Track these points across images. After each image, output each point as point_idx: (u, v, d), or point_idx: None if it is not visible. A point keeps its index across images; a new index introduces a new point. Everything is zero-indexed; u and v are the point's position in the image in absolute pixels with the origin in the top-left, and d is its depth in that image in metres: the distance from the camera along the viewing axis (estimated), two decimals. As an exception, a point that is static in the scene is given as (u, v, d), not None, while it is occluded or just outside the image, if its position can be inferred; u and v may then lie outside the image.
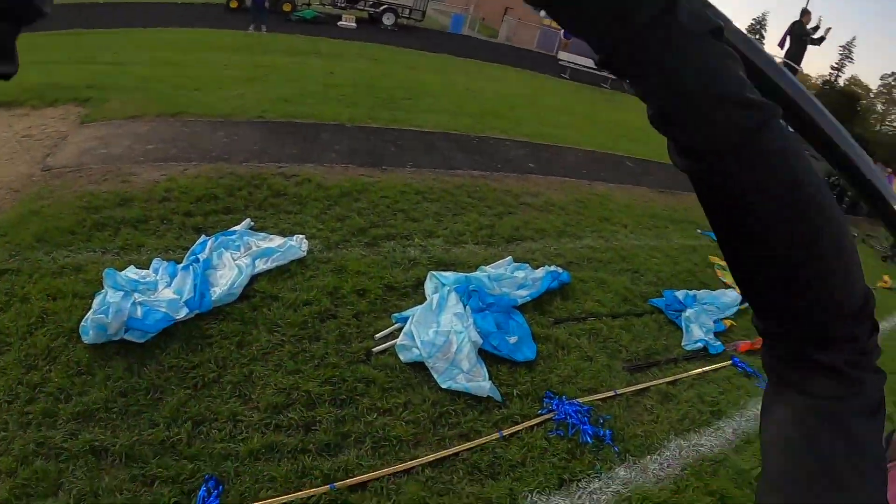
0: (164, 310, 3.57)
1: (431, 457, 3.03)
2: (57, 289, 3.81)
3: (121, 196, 5.09)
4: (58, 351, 3.37)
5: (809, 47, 12.04)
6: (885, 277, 10.48)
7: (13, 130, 7.17)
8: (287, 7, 20.92)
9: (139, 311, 3.49)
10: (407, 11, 25.28)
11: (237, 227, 4.75)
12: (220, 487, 2.67)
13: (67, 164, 5.85)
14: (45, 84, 8.36)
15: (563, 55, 24.94)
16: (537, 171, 7.85)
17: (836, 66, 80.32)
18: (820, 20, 11.91)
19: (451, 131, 8.81)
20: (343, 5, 23.62)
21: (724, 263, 6.76)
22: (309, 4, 22.78)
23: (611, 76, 23.40)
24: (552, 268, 5.06)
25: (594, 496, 3.19)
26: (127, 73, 9.54)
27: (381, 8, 24.17)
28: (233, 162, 6.13)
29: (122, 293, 3.59)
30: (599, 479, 3.32)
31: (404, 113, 9.37)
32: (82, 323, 3.48)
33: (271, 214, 5.18)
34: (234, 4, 20.55)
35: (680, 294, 5.63)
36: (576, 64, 23.36)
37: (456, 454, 3.11)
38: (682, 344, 5.02)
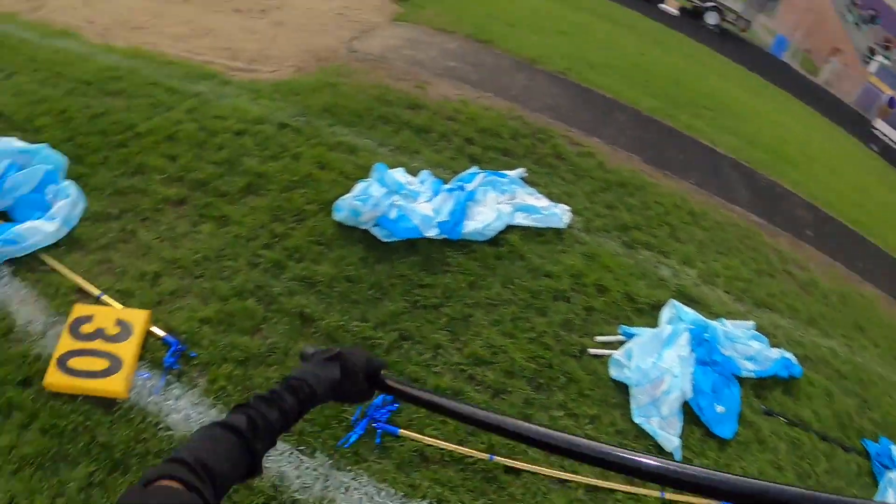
0: (416, 222, 3.71)
1: (591, 481, 2.94)
2: (328, 160, 4.14)
3: (413, 100, 5.31)
4: (308, 215, 3.70)
5: None
6: None
7: (331, 4, 7.77)
8: None
9: (393, 213, 3.68)
10: (733, 16, 22.96)
11: (510, 173, 4.74)
12: (396, 406, 2.81)
13: (372, 53, 6.27)
14: None
15: (879, 124, 21.75)
16: (813, 241, 7.06)
17: None
18: None
19: (742, 161, 8.13)
20: None
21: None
22: None
23: None
24: (788, 355, 4.59)
25: None
26: None
27: (707, 4, 22.13)
28: (526, 108, 6.12)
29: (385, 190, 3.79)
30: None
31: (703, 123, 8.74)
32: (338, 201, 3.74)
33: (546, 173, 5.13)
34: None
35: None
36: (890, 139, 20.36)
37: (612, 490, 3.02)
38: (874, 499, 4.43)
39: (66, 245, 3.20)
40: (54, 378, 2.55)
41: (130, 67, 5.03)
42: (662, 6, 20.07)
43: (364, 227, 3.64)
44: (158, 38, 5.87)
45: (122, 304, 2.93)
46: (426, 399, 1.02)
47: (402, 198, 3.79)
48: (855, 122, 20.90)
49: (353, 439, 2.60)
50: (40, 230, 3.18)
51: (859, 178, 12.49)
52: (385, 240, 3.61)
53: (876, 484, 4.41)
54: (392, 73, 5.79)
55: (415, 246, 3.68)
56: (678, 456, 3.34)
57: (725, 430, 3.69)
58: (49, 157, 3.56)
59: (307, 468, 2.50)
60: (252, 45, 6.06)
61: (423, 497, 2.52)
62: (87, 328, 2.77)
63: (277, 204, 3.70)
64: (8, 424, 2.36)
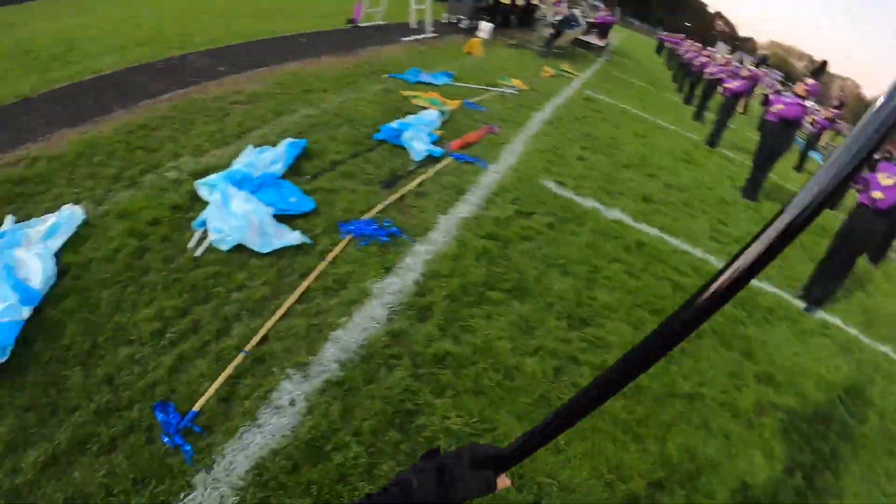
0: (6, 318, 3.59)
1: (294, 297, 3.72)
2: None
3: None
4: None
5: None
6: (546, 68, 12.80)
7: None
8: None
9: None
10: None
11: (2, 227, 4.60)
12: (171, 404, 3.00)
13: None
14: None
15: None
16: (229, 71, 8.13)
17: None
18: None
19: (132, 65, 8.54)
20: None
21: (416, 94, 7.99)
22: None
23: None
24: (288, 140, 5.70)
25: (411, 268, 4.22)
26: None
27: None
28: None
29: None
30: (408, 257, 4.35)
31: (77, 67, 8.74)
32: None
33: (25, 201, 4.64)
34: None
35: (394, 124, 6.67)
36: None
37: (308, 289, 3.85)
38: (412, 158, 6.12)
39: None
40: None
41: None
42: None
43: None
44: None
45: None
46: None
47: None
48: None
49: (188, 450, 2.72)
50: None
51: (219, 7, 13.75)
52: (4, 358, 3.42)
53: (405, 149, 5.99)
54: None
55: (25, 338, 3.56)
56: (307, 239, 4.29)
57: (307, 204, 4.86)
58: None
59: (203, 494, 2.74)
60: None
61: (258, 407, 2.94)
62: None
63: None
64: None
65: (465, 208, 5.25)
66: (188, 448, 2.70)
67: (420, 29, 13.20)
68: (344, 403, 3.04)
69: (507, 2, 18.49)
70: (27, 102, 7.00)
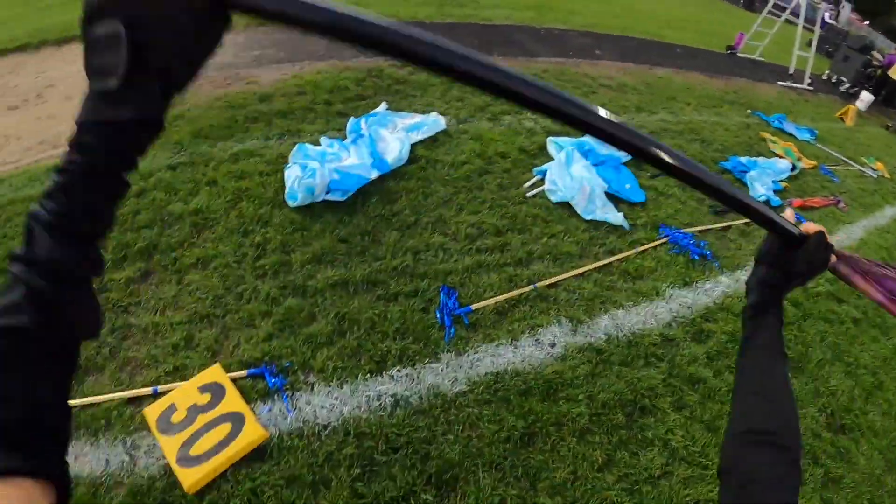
0: (358, 171, 4.39)
1: (595, 265, 3.99)
2: (241, 171, 4.26)
3: (257, 94, 5.62)
4: (267, 216, 3.85)
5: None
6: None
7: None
8: None
9: (335, 176, 4.12)
10: None
11: (377, 109, 5.49)
12: (454, 293, 3.56)
13: None
14: None
15: None
16: (605, 56, 8.52)
17: None
18: None
19: (519, 24, 9.39)
20: None
21: (775, 139, 7.63)
22: None
23: None
24: (643, 135, 5.88)
25: (708, 292, 4.17)
26: None
27: None
28: (343, 59, 6.78)
29: (317, 162, 4.37)
30: (709, 282, 4.30)
31: (471, 9, 9.89)
32: (288, 190, 3.95)
33: (401, 98, 5.92)
34: None
35: (743, 159, 6.47)
36: None
37: (610, 264, 4.07)
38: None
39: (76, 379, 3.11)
40: (191, 477, 2.32)
41: None
42: None
43: (320, 200, 4.03)
44: None
45: (182, 380, 2.79)
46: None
47: (331, 162, 4.37)
48: None
49: (452, 332, 3.24)
50: None
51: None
52: (344, 198, 4.12)
53: (745, 186, 5.83)
54: (216, 83, 5.85)
55: (366, 191, 4.23)
56: (626, 224, 4.45)
57: (639, 196, 4.91)
58: None
59: (443, 369, 3.05)
60: (62, 127, 5.70)
61: (522, 332, 3.33)
62: (176, 417, 2.54)
63: (234, 224, 3.81)
64: None
65: (784, 265, 5.00)
66: (452, 329, 3.17)
67: (797, 77, 12.35)
68: (594, 368, 3.21)
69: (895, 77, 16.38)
70: (421, 27, 7.94)
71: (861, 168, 8.71)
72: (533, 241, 4.06)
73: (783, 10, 12.86)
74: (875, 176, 8.78)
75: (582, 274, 3.88)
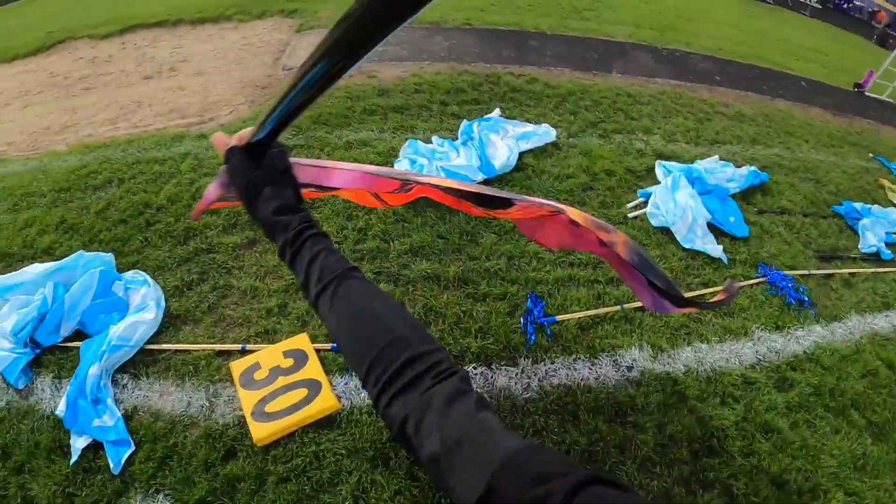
0: (464, 172, 4.52)
1: (687, 294, 3.92)
2: (353, 158, 4.49)
3: (376, 88, 5.83)
4: (355, 204, 4.03)
5: None
6: None
7: (229, 40, 7.92)
8: None
9: (442, 174, 4.31)
10: None
11: (491, 115, 5.61)
12: (541, 302, 3.62)
13: None
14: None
15: None
16: (724, 83, 8.29)
17: None
18: None
19: (640, 42, 9.27)
20: None
21: (893, 186, 7.23)
22: None
23: None
24: (753, 168, 5.73)
25: (799, 340, 4.06)
26: None
27: None
28: (462, 62, 6.93)
29: (426, 158, 4.55)
30: (802, 329, 4.18)
31: (593, 23, 9.82)
32: None
33: (514, 106, 6.01)
34: None
35: (857, 205, 6.18)
36: None
37: (702, 295, 4.03)
38: (859, 246, 5.64)
39: (170, 327, 3.19)
40: (262, 431, 2.53)
41: (97, 160, 4.90)
42: None
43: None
44: (94, 129, 5.80)
45: (269, 343, 3.02)
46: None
47: (439, 161, 4.54)
48: None
49: (533, 339, 3.34)
50: (141, 322, 3.06)
51: (730, 18, 13.95)
52: None
53: (856, 234, 5.59)
54: None
55: (468, 192, 4.38)
56: (724, 258, 4.37)
57: (742, 230, 4.78)
58: (93, 261, 3.39)
59: (517, 374, 3.15)
60: (191, 100, 6.19)
61: (602, 350, 3.36)
62: (259, 375, 2.77)
63: (340, 207, 4.08)
64: (242, 497, 2.40)
65: (882, 322, 4.75)
66: (533, 337, 3.25)
67: (930, 124, 11.54)
68: (667, 398, 3.17)
69: None
70: (543, 36, 8.13)
71: None
72: (627, 263, 4.07)
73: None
74: None
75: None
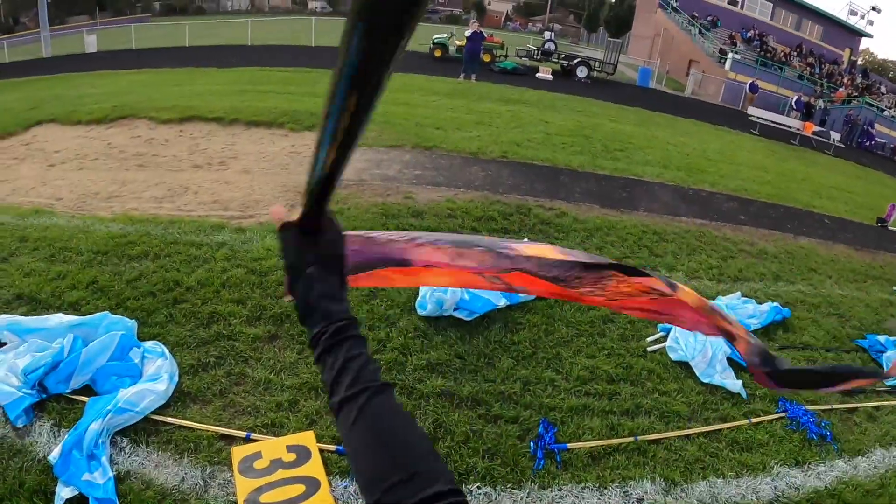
0: (487, 296, 4.70)
1: (703, 429, 3.93)
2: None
3: (410, 209, 6.20)
4: (395, 318, 4.28)
5: None
6: None
7: (279, 146, 8.43)
8: (487, 57, 22.38)
9: (466, 296, 4.48)
10: (598, 64, 26.05)
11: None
12: (553, 428, 3.67)
13: (349, 179, 6.77)
14: (297, 110, 9.96)
15: (751, 110, 24.54)
16: (748, 222, 8.47)
17: None
18: None
19: (667, 182, 9.63)
20: (539, 58, 25.03)
21: (919, 321, 7.10)
22: (506, 56, 24.34)
23: (799, 132, 23.02)
24: (775, 304, 5.76)
25: (820, 476, 3.95)
26: None
27: (575, 61, 25.27)
28: (496, 192, 7.31)
29: None
30: (823, 465, 4.07)
31: (623, 163, 10.31)
32: (419, 299, 4.35)
33: (542, 237, 6.29)
34: (438, 53, 22.83)
35: (881, 338, 6.09)
36: (764, 119, 23.02)
37: (719, 430, 4.00)
38: (883, 379, 5.53)
39: (179, 402, 3.24)
40: None
41: (137, 232, 5.12)
42: (539, 75, 22.52)
43: (447, 314, 4.41)
44: (140, 203, 6.07)
45: (274, 435, 3.06)
46: None
47: None
48: (731, 116, 23.59)
49: (542, 464, 3.35)
50: (151, 391, 3.09)
51: (755, 160, 14.30)
52: (469, 318, 4.47)
53: (880, 365, 5.50)
54: (377, 191, 6.62)
55: (492, 317, 4.57)
56: (744, 393, 4.37)
57: None
58: (116, 324, 3.45)
59: (523, 497, 3.15)
60: (235, 194, 6.48)
61: (612, 481, 3.35)
62: (259, 464, 2.78)
63: (362, 319, 4.21)
64: None
65: (910, 457, 4.59)
66: (542, 462, 3.31)
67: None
68: None
69: None
70: (575, 173, 8.58)
71: None
72: (643, 395, 4.10)
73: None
74: None
75: (688, 436, 3.84)
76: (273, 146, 8.54)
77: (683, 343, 4.63)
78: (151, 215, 5.64)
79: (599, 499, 3.22)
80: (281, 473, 2.74)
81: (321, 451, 2.97)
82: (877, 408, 4.96)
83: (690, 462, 3.64)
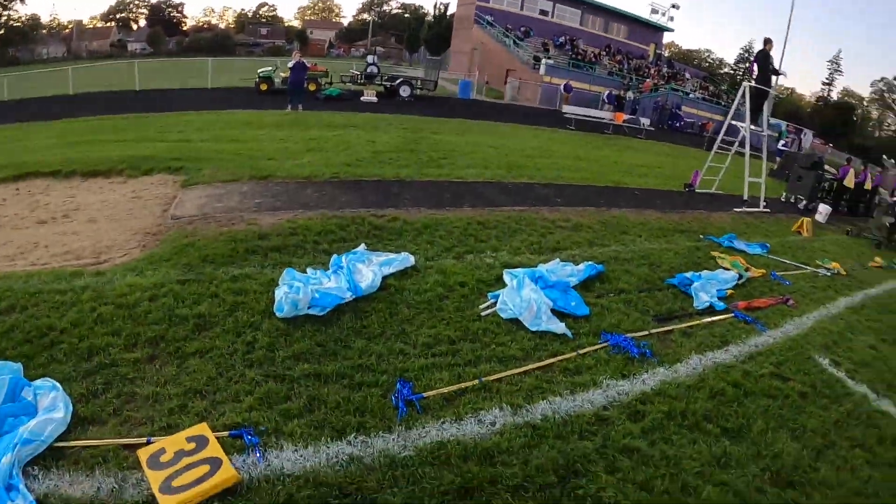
0: (335, 292, 5.31)
1: (538, 364, 4.76)
2: (239, 288, 5.33)
3: (256, 232, 6.74)
4: (258, 323, 4.86)
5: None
6: (877, 258, 12.26)
7: (119, 193, 8.81)
8: (313, 87, 23.98)
9: (317, 295, 5.14)
10: (419, 83, 28.26)
11: (357, 249, 6.54)
12: (409, 384, 4.30)
13: (193, 214, 7.37)
14: (132, 157, 10.35)
15: (566, 108, 27.54)
16: (564, 203, 9.78)
17: (826, 80, 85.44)
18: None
19: (490, 180, 10.84)
20: (363, 81, 26.54)
21: (723, 256, 8.61)
22: (331, 83, 25.59)
23: (612, 123, 26.25)
24: (590, 263, 6.87)
25: (645, 382, 4.90)
26: (199, 148, 11.74)
27: (398, 81, 27.20)
28: (332, 209, 7.95)
29: (301, 283, 5.34)
30: (647, 373, 5.03)
31: (447, 169, 11.44)
32: (276, 302, 4.99)
33: (377, 241, 7.01)
34: (264, 87, 23.75)
35: (689, 274, 7.42)
36: (578, 115, 25.89)
37: (552, 364, 4.85)
38: (694, 305, 6.77)
39: (78, 427, 3.52)
40: (170, 503, 2.95)
41: (0, 288, 5.24)
42: (363, 98, 23.98)
43: (302, 313, 4.99)
44: None
45: (172, 434, 3.48)
46: None
47: (313, 285, 5.33)
48: (549, 116, 26.64)
49: (404, 412, 3.96)
50: (51, 420, 3.34)
51: (571, 152, 16.19)
52: (322, 314, 5.04)
53: (691, 297, 6.71)
54: (221, 222, 7.06)
55: (341, 310, 5.17)
56: (569, 333, 5.32)
57: (583, 310, 5.79)
58: (2, 368, 3.69)
59: (394, 438, 3.71)
60: (85, 243, 6.69)
61: (466, 413, 4.03)
62: (164, 458, 3.19)
63: (230, 326, 4.75)
64: None
65: (722, 356, 5.70)
66: (405, 410, 3.97)
67: (752, 203, 13.56)
68: (529, 440, 3.87)
69: (850, 185, 17.81)
70: (402, 183, 9.53)
71: (815, 270, 9.60)
72: (482, 349, 4.89)
73: (733, 144, 14.38)
74: (830, 274, 9.63)
75: (525, 372, 4.65)
76: (114, 193, 8.79)
77: (511, 304, 5.49)
78: (7, 273, 5.73)
79: (458, 427, 3.88)
80: (186, 460, 3.17)
81: (217, 438, 3.43)
82: (691, 327, 6.10)
83: (530, 390, 4.43)
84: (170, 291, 5.16)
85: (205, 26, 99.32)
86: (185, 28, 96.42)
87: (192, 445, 3.30)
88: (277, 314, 4.95)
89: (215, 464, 3.19)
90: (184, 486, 3.01)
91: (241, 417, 3.72)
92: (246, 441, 3.49)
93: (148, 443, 3.38)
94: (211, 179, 9.01)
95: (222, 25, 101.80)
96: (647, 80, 42.43)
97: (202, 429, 3.48)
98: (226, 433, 3.54)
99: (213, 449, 3.30)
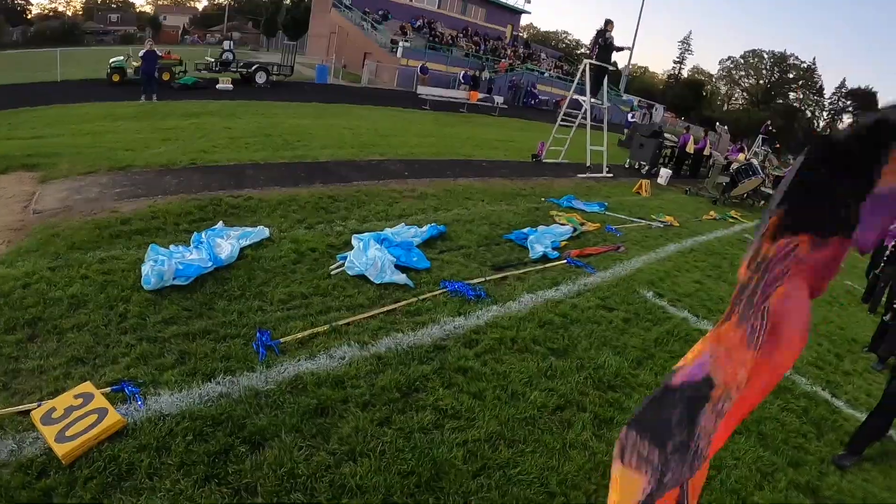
0: (197, 263, 5.82)
1: (383, 309, 5.56)
2: (108, 268, 5.69)
3: (119, 219, 7.04)
4: (128, 296, 5.28)
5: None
6: (712, 212, 14.08)
7: None
8: (166, 76, 23.58)
9: (180, 266, 5.65)
10: (276, 68, 28.34)
11: (216, 226, 7.04)
12: (268, 332, 4.95)
13: (55, 207, 7.45)
14: None
15: (421, 90, 28.66)
16: (412, 176, 10.64)
17: (677, 59, 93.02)
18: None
19: (344, 159, 11.51)
20: (218, 69, 26.32)
21: (560, 213, 9.77)
22: (185, 72, 25.20)
23: (466, 101, 27.77)
24: (432, 225, 7.75)
25: (479, 317, 5.79)
26: (53, 143, 11.54)
27: (253, 68, 27.17)
28: (190, 193, 8.32)
29: (165, 257, 5.81)
30: (481, 311, 5.93)
31: (302, 151, 11.98)
32: (143, 276, 5.44)
33: (235, 218, 7.51)
34: (116, 78, 22.91)
35: (525, 229, 8.47)
36: (433, 96, 27.05)
37: (394, 308, 5.64)
38: (530, 256, 7.79)
39: None
40: (65, 449, 3.35)
41: None
42: (219, 86, 24.17)
43: (169, 284, 5.46)
44: None
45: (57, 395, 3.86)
46: None
47: (176, 258, 5.81)
48: (405, 98, 27.64)
49: (264, 354, 4.60)
50: None
51: (424, 130, 17.24)
52: (186, 283, 5.53)
53: (527, 249, 7.69)
54: (84, 212, 7.23)
55: (204, 278, 5.66)
56: (410, 283, 6.13)
57: (424, 264, 6.66)
58: None
59: (257, 376, 4.31)
60: None
61: (319, 352, 4.73)
62: (56, 415, 3.58)
63: (102, 301, 5.11)
64: (57, 500, 3.12)
65: (553, 294, 6.73)
66: (264, 353, 4.63)
67: (595, 169, 15.11)
68: (375, 367, 4.67)
69: (690, 151, 20.18)
70: (258, 166, 10.02)
71: (649, 223, 11.01)
72: (332, 301, 5.62)
73: (575, 117, 15.85)
74: (663, 226, 11.09)
75: (371, 316, 5.43)
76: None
77: (358, 262, 6.24)
78: None
79: (313, 362, 4.61)
80: (75, 413, 3.60)
81: (101, 392, 3.87)
82: (525, 273, 7.08)
83: (376, 330, 5.22)
84: (41, 278, 5.44)
85: (51, 14, 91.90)
86: (29, 17, 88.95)
87: (80, 401, 3.77)
88: (145, 287, 5.38)
89: (102, 412, 3.69)
90: (76, 434, 3.46)
91: (122, 374, 4.21)
92: (127, 392, 4.00)
93: (39, 405, 3.81)
94: (69, 173, 8.99)
95: (69, 13, 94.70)
96: (503, 60, 44.45)
97: (87, 387, 3.94)
98: (108, 388, 4.03)
99: (99, 401, 3.79)
